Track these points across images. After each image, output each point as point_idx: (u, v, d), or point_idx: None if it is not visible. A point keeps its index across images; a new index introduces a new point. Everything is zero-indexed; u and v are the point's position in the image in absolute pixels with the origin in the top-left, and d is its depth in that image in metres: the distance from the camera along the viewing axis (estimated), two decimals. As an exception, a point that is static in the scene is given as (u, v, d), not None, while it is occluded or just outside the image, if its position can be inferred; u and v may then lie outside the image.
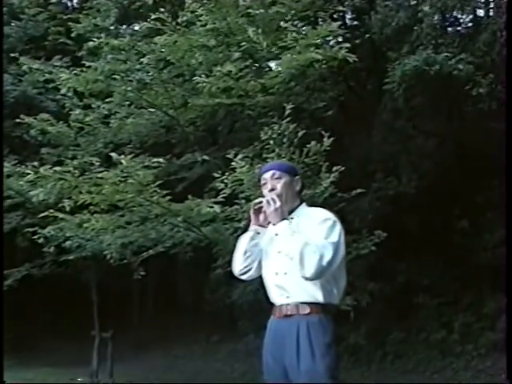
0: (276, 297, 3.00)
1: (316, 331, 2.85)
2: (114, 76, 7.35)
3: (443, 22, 8.63)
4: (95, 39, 7.12)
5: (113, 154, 5.93)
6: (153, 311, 16.13)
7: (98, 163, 6.65)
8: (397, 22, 8.29)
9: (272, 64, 6.36)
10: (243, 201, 6.70)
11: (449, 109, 9.30)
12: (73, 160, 7.60)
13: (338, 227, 2.92)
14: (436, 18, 8.26)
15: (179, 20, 7.54)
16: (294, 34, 6.30)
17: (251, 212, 3.11)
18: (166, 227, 7.38)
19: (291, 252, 2.84)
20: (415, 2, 8.48)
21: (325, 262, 2.78)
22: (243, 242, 3.12)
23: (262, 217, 3.07)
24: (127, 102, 8.12)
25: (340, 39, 7.43)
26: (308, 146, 6.45)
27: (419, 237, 9.90)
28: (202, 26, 7.39)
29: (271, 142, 6.33)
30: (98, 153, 8.63)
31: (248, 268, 3.11)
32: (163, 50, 7.10)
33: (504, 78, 8.14)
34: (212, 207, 6.15)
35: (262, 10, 6.75)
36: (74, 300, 13.39)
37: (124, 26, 10.83)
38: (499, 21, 8.04)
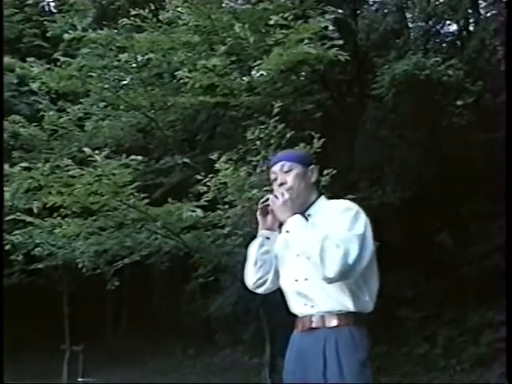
0: (298, 307, 2.48)
1: (346, 347, 2.32)
2: (89, 73, 6.68)
3: (432, 27, 8.18)
4: (71, 32, 6.43)
5: (86, 149, 5.25)
6: (127, 323, 15.37)
7: (71, 166, 5.96)
8: (384, 27, 7.79)
9: (259, 61, 5.75)
10: (226, 206, 6.08)
11: (435, 118, 8.83)
12: (45, 164, 6.93)
13: (363, 217, 2.38)
14: (424, 23, 7.79)
15: (160, 17, 6.95)
16: (284, 30, 5.74)
17: (258, 214, 2.61)
18: (143, 234, 6.72)
19: (308, 249, 2.31)
20: (404, 6, 7.99)
21: (350, 258, 2.24)
22: (252, 251, 2.62)
23: (270, 218, 2.57)
24: (103, 103, 7.45)
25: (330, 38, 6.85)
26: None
27: (403, 249, 9.42)
28: (184, 24, 6.80)
29: (258, 142, 5.73)
30: (71, 157, 7.93)
31: (263, 280, 2.60)
32: (143, 46, 6.45)
33: (493, 85, 7.74)
34: (194, 211, 5.50)
35: (248, 6, 6.17)
36: (44, 311, 12.56)
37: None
38: (488, 28, 7.63)
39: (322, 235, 2.28)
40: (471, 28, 8.48)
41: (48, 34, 8.88)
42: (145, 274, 12.98)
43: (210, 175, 5.75)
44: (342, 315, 2.35)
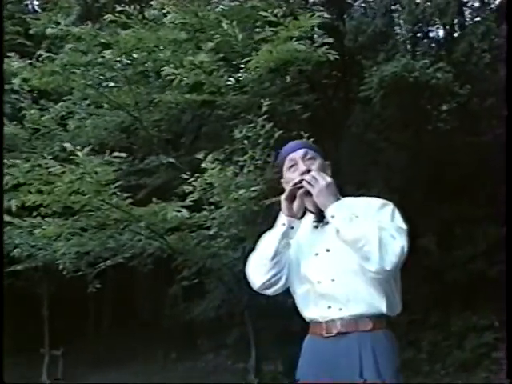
0: (319, 310, 2.21)
1: (383, 352, 2.11)
2: (73, 70, 6.41)
3: (420, 30, 8.04)
4: (53, 26, 6.17)
5: (67, 145, 4.98)
6: (109, 326, 15.02)
7: (51, 163, 5.68)
8: (373, 29, 7.63)
9: (248, 58, 5.54)
10: (212, 207, 5.85)
11: (421, 122, 8.70)
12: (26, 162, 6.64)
13: (399, 213, 2.20)
14: (413, 26, 7.65)
15: (146, 14, 6.72)
16: (273, 28, 5.54)
17: (283, 197, 2.25)
18: (126, 235, 6.46)
19: (364, 237, 2.05)
20: (392, 8, 7.84)
21: (405, 250, 2.07)
22: (272, 242, 2.26)
23: (297, 204, 2.26)
24: (87, 101, 7.18)
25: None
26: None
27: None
28: (171, 22, 6.57)
29: (245, 141, 5.51)
30: (54, 156, 7.65)
31: (276, 278, 2.27)
32: (128, 43, 6.20)
33: (481, 88, 7.63)
34: (179, 211, 5.24)
35: (237, 3, 5.96)
36: (23, 314, 12.18)
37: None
38: (476, 32, 7.51)
39: (376, 224, 2.08)
40: (459, 31, 8.36)
41: (31, 32, 8.59)
42: (127, 276, 12.68)
43: (196, 175, 5.51)
44: (376, 318, 2.15)
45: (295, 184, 2.21)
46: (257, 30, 5.79)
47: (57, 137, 7.76)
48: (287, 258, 2.27)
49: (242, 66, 5.85)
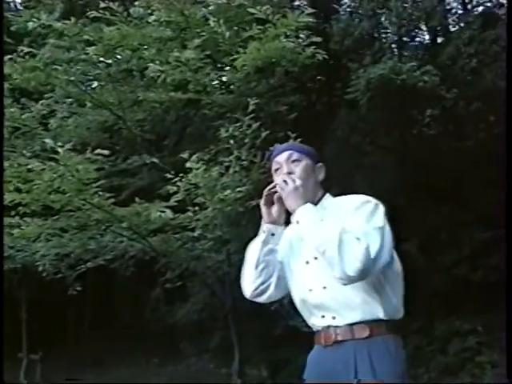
0: (317, 319, 2.14)
1: (381, 359, 1.99)
2: (55, 66, 6.20)
3: (407, 33, 7.94)
4: (35, 19, 5.95)
5: (47, 140, 4.77)
6: (90, 330, 14.74)
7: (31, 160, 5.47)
8: (360, 32, 7.51)
9: (236, 56, 5.37)
10: (197, 208, 5.67)
11: (407, 126, 8.60)
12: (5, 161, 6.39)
13: (382, 210, 2.05)
14: (400, 29, 7.55)
15: (131, 11, 6.52)
16: (260, 26, 5.39)
17: (262, 203, 2.21)
18: (108, 236, 6.24)
19: (324, 243, 1.96)
20: (380, 11, 7.73)
21: (372, 253, 1.92)
22: (253, 250, 2.23)
23: (276, 209, 2.19)
24: (69, 100, 6.96)
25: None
26: (271, 148, 5.48)
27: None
28: (156, 20, 6.39)
29: (232, 141, 5.33)
30: (34, 155, 7.41)
31: (265, 286, 2.22)
32: (112, 39, 6.00)
33: (467, 92, 7.55)
34: (163, 212, 5.05)
35: (224, 0, 5.80)
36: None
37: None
38: (463, 36, 7.43)
39: (340, 228, 1.96)
40: (446, 35, 8.29)
41: (12, 28, 8.35)
42: (109, 279, 12.43)
43: (180, 175, 5.32)
44: (373, 324, 2.03)
45: (270, 188, 2.15)
46: (244, 28, 5.62)
47: (38, 136, 7.52)
48: (275, 264, 2.21)
49: (229, 64, 5.69)
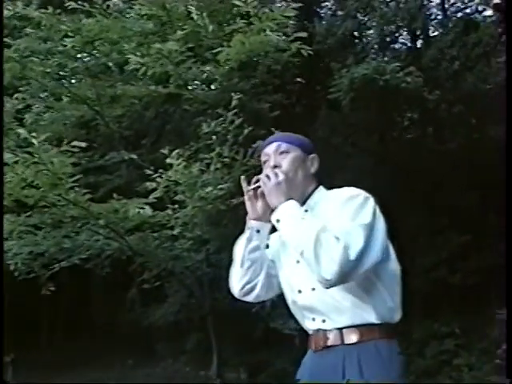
0: (307, 322, 1.98)
1: (371, 365, 1.82)
2: (31, 58, 5.91)
3: (391, 34, 7.82)
4: (9, 8, 5.66)
5: (20, 131, 4.49)
6: (63, 331, 14.37)
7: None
8: (343, 32, 7.35)
9: (220, 49, 5.15)
10: (176, 205, 5.44)
11: (389, 127, 8.47)
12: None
13: (371, 205, 1.86)
14: (383, 30, 7.41)
15: (110, 3, 6.27)
16: (245, 20, 5.19)
17: (246, 199, 2.05)
18: (83, 235, 5.96)
19: (301, 243, 1.79)
20: (363, 11, 7.59)
21: (352, 253, 1.73)
22: (239, 249, 2.09)
23: (261, 205, 2.02)
24: (45, 94, 6.67)
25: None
26: (254, 145, 5.28)
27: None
28: (137, 14, 6.15)
29: (214, 137, 5.11)
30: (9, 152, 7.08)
31: (251, 285, 2.08)
32: (91, 31, 5.74)
33: (449, 95, 7.46)
34: (143, 208, 4.79)
35: (207, -6, 5.59)
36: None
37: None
38: (446, 38, 7.33)
39: (319, 226, 1.78)
40: (429, 37, 8.20)
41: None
42: (83, 279, 12.10)
43: (160, 170, 5.08)
44: (364, 328, 1.86)
45: (255, 182, 2.00)
46: (228, 22, 5.41)
47: (12, 132, 7.21)
48: (263, 262, 2.07)
49: (212, 59, 5.47)
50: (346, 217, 1.81)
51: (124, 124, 6.97)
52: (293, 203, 1.89)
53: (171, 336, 10.85)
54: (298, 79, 7.41)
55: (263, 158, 2.06)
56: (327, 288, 1.80)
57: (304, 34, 5.18)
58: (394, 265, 1.95)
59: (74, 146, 4.47)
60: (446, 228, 8.91)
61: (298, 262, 1.93)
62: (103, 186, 7.22)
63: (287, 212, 1.87)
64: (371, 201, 1.87)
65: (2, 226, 5.47)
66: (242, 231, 2.11)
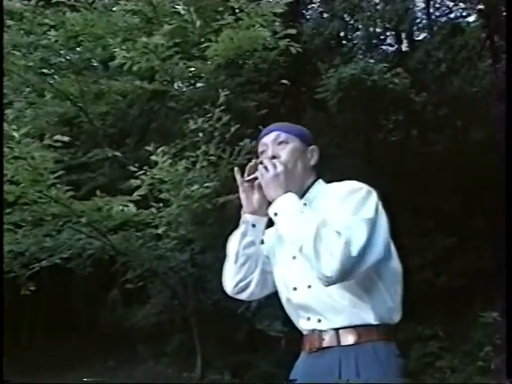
0: (302, 322, 1.88)
1: (368, 367, 1.72)
2: (13, 51, 5.71)
3: (378, 35, 7.75)
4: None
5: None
6: (43, 332, 14.08)
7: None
8: (330, 32, 7.26)
9: (208, 44, 5.01)
10: (161, 204, 5.28)
11: (375, 129, 8.38)
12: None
13: (374, 199, 1.77)
14: (371, 31, 7.34)
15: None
16: (233, 16, 5.06)
17: (241, 191, 1.94)
18: (65, 234, 5.77)
19: (300, 238, 1.68)
20: (351, 12, 7.51)
21: (354, 249, 1.63)
22: (232, 243, 1.98)
23: (257, 198, 1.93)
24: (27, 89, 6.46)
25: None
26: (241, 143, 5.16)
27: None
28: (122, 10, 5.99)
29: (200, 134, 4.98)
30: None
31: (245, 282, 1.98)
32: (76, 25, 5.56)
33: (437, 98, 7.41)
34: (127, 206, 4.62)
35: (195, -10, 5.45)
36: None
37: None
38: (433, 40, 7.28)
39: (319, 220, 1.68)
40: (415, 40, 8.15)
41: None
42: (64, 279, 11.85)
43: (145, 167, 4.92)
44: (362, 329, 1.76)
45: (249, 174, 1.90)
46: (216, 18, 5.27)
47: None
48: (258, 258, 1.96)
49: (199, 55, 5.33)
50: (347, 211, 1.70)
51: (108, 122, 6.79)
52: (291, 196, 1.78)
53: (153, 337, 10.66)
54: (284, 81, 7.31)
55: (261, 148, 1.95)
56: (327, 286, 1.70)
57: (293, 31, 5.06)
58: (396, 263, 1.86)
59: (56, 141, 4.29)
60: (432, 230, 8.87)
61: (294, 257, 1.84)
62: (86, 185, 7.03)
63: (285, 205, 1.77)
64: (374, 195, 1.78)
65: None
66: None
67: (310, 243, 1.64)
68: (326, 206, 1.76)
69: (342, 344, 1.77)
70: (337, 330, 1.78)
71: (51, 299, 13.41)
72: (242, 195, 1.94)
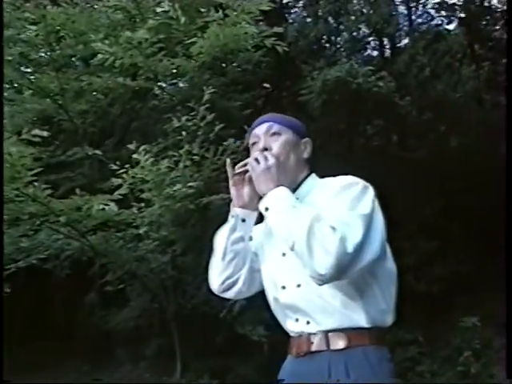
0: (290, 323, 1.78)
1: (360, 372, 1.63)
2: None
3: (363, 39, 7.69)
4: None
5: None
6: (18, 336, 13.71)
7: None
8: (315, 34, 7.17)
9: (194, 39, 4.86)
10: (142, 204, 5.11)
11: (359, 132, 8.31)
12: None
13: (371, 195, 1.66)
14: (356, 34, 7.28)
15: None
16: (218, 14, 4.92)
17: (231, 184, 1.85)
18: (42, 234, 5.56)
19: (292, 233, 1.58)
20: (337, 14, 7.43)
21: (350, 245, 1.53)
22: (220, 239, 1.88)
23: (247, 191, 1.84)
24: (5, 85, 6.23)
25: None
26: (225, 143, 5.02)
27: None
28: (104, 6, 5.82)
29: (184, 133, 4.82)
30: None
31: (232, 280, 1.88)
32: (57, 20, 5.37)
33: (421, 102, 7.37)
34: (108, 205, 4.44)
35: (180, -14, 5.30)
36: None
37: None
38: (417, 45, 7.25)
39: (312, 214, 1.57)
40: (401, 43, 8.12)
41: None
42: (40, 280, 11.55)
43: (127, 165, 4.75)
44: (353, 333, 1.66)
45: (242, 166, 1.81)
46: (202, 15, 5.13)
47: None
48: (246, 255, 1.86)
49: (184, 53, 5.18)
50: (342, 206, 1.60)
51: (88, 120, 6.59)
52: (283, 190, 1.67)
53: (131, 341, 10.45)
54: (266, 84, 7.20)
55: (252, 140, 1.84)
56: (320, 284, 1.59)
57: (280, 30, 4.95)
58: (391, 263, 1.76)
59: (34, 136, 4.10)
60: (413, 235, 8.83)
61: (283, 254, 1.74)
62: (64, 184, 6.81)
63: (277, 199, 1.66)
64: (371, 190, 1.67)
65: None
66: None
67: (302, 239, 1.54)
68: (320, 201, 1.66)
69: (332, 348, 1.67)
70: (326, 333, 1.68)
71: (27, 301, 13.10)
72: (232, 189, 1.85)
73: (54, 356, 11.71)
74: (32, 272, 6.92)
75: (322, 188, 1.74)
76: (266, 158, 1.72)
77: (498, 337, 7.58)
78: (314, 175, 1.84)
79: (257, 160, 1.72)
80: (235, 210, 1.85)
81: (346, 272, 1.55)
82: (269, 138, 1.80)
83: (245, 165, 1.77)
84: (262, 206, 1.69)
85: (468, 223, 8.52)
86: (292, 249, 1.59)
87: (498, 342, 7.55)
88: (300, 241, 1.54)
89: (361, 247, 1.53)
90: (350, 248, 1.51)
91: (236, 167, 1.81)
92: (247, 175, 1.78)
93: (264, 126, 1.83)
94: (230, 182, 1.84)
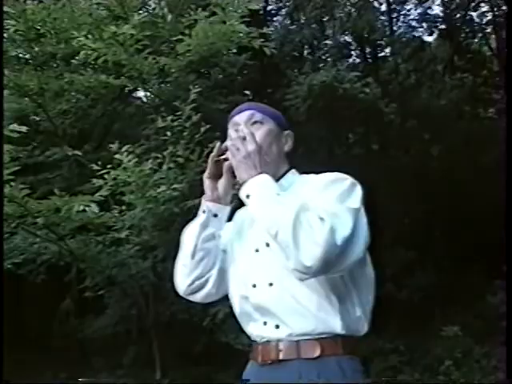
0: (255, 327, 1.63)
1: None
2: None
3: (349, 44, 7.59)
4: None
5: None
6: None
7: None
8: (300, 40, 7.05)
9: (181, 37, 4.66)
10: (124, 207, 4.87)
11: (341, 139, 8.20)
12: None
13: (360, 192, 1.57)
14: (342, 39, 7.17)
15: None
16: (205, 13, 4.73)
17: (206, 175, 1.72)
18: (18, 237, 5.27)
19: (276, 223, 1.46)
20: (323, 20, 7.32)
21: (339, 238, 1.42)
22: (190, 236, 1.73)
23: (223, 183, 1.72)
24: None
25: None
26: (211, 145, 4.81)
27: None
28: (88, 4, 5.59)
29: (168, 133, 4.61)
30: None
31: (202, 281, 1.73)
32: (37, 15, 5.12)
33: (405, 109, 7.27)
34: (89, 206, 4.19)
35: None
36: None
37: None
38: (402, 52, 7.17)
39: (299, 204, 1.46)
40: (387, 50, 8.04)
41: None
42: (14, 286, 11.17)
43: (109, 165, 4.51)
44: (326, 340, 1.54)
45: (220, 155, 1.67)
46: (189, 13, 4.93)
47: None
48: (217, 254, 1.74)
49: (169, 52, 4.98)
50: (331, 199, 1.50)
51: (68, 121, 6.33)
52: (266, 177, 1.56)
53: (107, 348, 10.14)
54: (246, 92, 7.06)
55: (232, 128, 1.72)
56: (303, 279, 1.48)
57: (269, 31, 4.79)
58: (371, 270, 1.67)
59: (13, 131, 3.83)
60: (393, 244, 8.75)
61: (257, 250, 1.63)
62: (42, 186, 6.51)
63: (259, 186, 1.55)
64: (359, 187, 1.59)
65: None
66: None
67: (288, 229, 1.42)
68: (304, 195, 1.53)
69: (303, 357, 1.54)
70: (298, 339, 1.55)
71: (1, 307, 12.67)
72: (207, 181, 1.71)
73: (28, 363, 11.33)
74: (6, 277, 6.61)
75: (304, 183, 1.64)
76: (246, 144, 1.59)
77: (479, 346, 7.51)
78: (294, 170, 1.74)
79: (237, 148, 1.58)
80: (207, 204, 1.70)
81: (333, 266, 1.44)
82: (250, 126, 1.68)
83: (221, 154, 1.62)
84: (242, 194, 1.56)
85: (449, 232, 8.47)
86: (275, 238, 1.46)
87: (479, 351, 7.48)
88: (285, 230, 1.43)
89: (349, 241, 1.43)
90: (339, 240, 1.41)
91: (211, 155, 1.68)
92: (226, 165, 1.64)
93: (245, 114, 1.72)
94: (206, 173, 1.71)
